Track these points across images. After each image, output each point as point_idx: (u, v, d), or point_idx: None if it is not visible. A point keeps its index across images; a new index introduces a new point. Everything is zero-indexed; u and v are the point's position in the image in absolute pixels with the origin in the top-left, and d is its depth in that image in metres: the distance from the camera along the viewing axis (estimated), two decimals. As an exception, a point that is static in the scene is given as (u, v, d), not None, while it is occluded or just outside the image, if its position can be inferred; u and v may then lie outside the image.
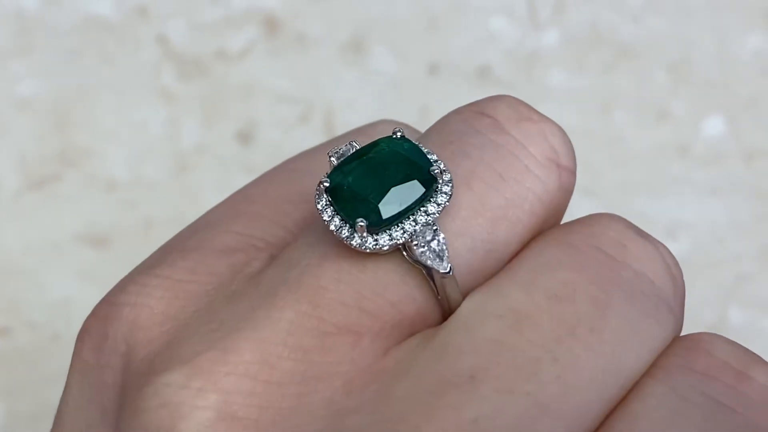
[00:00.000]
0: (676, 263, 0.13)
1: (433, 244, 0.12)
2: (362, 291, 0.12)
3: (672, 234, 0.28)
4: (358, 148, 0.13)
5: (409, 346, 0.12)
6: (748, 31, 0.30)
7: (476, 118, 0.13)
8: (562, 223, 0.14)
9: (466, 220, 0.13)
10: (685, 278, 0.30)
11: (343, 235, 0.13)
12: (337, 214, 0.13)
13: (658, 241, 0.14)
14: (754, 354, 0.13)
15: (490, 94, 0.14)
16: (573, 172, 0.13)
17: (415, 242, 0.12)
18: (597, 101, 0.29)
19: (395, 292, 0.12)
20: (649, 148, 0.29)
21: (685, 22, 0.30)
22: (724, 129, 0.29)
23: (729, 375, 0.12)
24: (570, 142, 0.14)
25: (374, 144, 0.13)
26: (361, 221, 0.12)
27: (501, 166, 0.13)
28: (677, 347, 0.12)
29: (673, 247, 0.29)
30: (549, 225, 0.13)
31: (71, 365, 0.14)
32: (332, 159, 0.13)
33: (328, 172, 0.13)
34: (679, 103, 0.30)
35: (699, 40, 0.30)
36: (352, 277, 0.12)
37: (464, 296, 0.13)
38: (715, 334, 0.13)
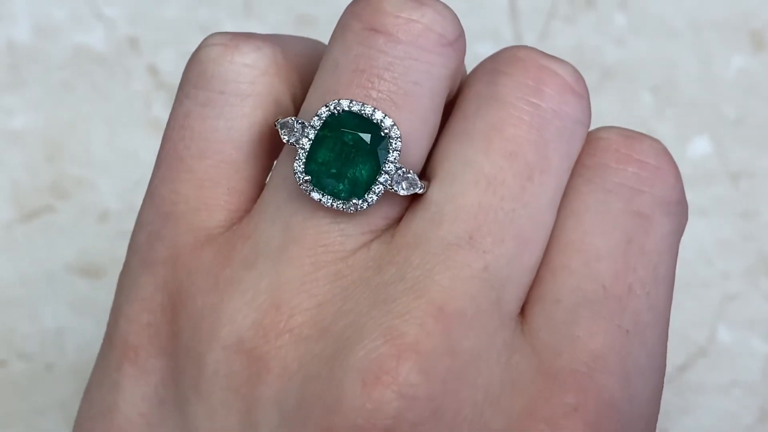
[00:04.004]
0: (577, 77, 0.16)
1: (404, 183, 0.16)
2: (357, 221, 0.15)
3: (660, 254, 0.29)
4: (304, 127, 0.16)
5: (412, 222, 0.16)
6: (732, 52, 0.30)
7: (371, 37, 0.16)
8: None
9: (407, 133, 0.16)
10: (673, 298, 0.30)
11: (339, 207, 0.15)
12: (324, 192, 0.16)
13: (561, 64, 0.16)
14: (640, 135, 0.17)
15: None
16: (461, 37, 0.16)
17: (395, 187, 0.16)
18: (583, 124, 0.30)
19: (382, 209, 0.16)
20: (636, 170, 0.29)
21: (669, 44, 0.31)
22: (709, 149, 0.30)
23: (634, 164, 0.16)
24: (447, 11, 0.16)
25: (329, 123, 0.15)
26: (355, 199, 0.15)
27: (411, 75, 0.16)
28: (593, 148, 0.16)
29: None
30: (456, 76, 0.16)
31: (123, 372, 0.16)
32: (282, 134, 0.16)
33: (302, 158, 0.16)
34: (664, 124, 0.30)
35: (683, 60, 0.30)
36: (344, 215, 0.16)
37: (430, 159, 0.16)
38: (613, 128, 0.17)
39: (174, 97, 0.30)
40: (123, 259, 0.29)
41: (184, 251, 0.16)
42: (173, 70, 0.30)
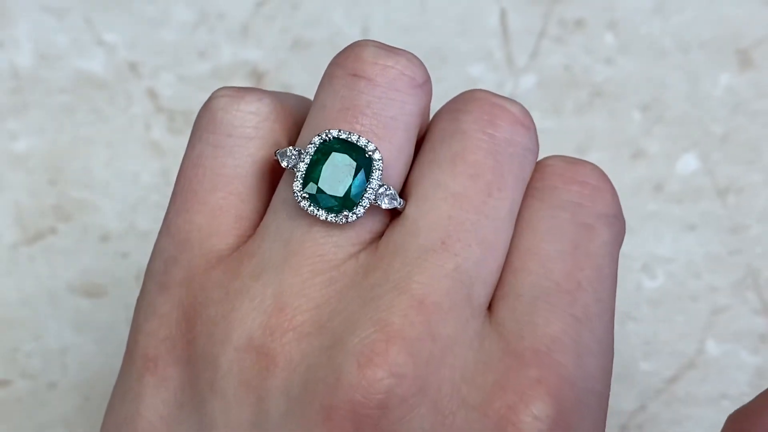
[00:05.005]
0: (525, 113, 0.19)
1: (387, 197, 0.18)
2: (348, 235, 0.18)
3: (649, 269, 0.29)
4: (300, 153, 0.18)
5: (392, 234, 0.18)
6: (720, 70, 0.31)
7: (354, 81, 0.18)
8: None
9: (386, 159, 0.18)
10: (663, 311, 0.30)
11: (332, 220, 0.18)
12: (320, 206, 0.18)
13: (511, 103, 0.19)
14: (581, 161, 0.20)
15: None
16: (428, 80, 0.19)
17: (378, 201, 0.18)
18: (574, 141, 0.30)
19: (367, 224, 0.18)
20: (626, 186, 0.30)
21: (658, 63, 0.31)
22: (698, 166, 0.30)
23: (577, 185, 0.19)
24: (416, 59, 0.19)
25: (321, 149, 0.18)
26: (346, 212, 0.18)
27: (388, 111, 0.18)
28: (542, 173, 0.19)
29: (651, 282, 0.30)
30: (425, 114, 0.19)
31: (144, 382, 0.18)
32: (282, 161, 0.19)
33: (300, 179, 0.18)
34: (653, 142, 0.30)
35: (671, 79, 0.31)
36: (337, 228, 0.18)
37: (406, 184, 0.19)
38: (558, 156, 0.20)
39: (172, 119, 0.31)
40: (123, 279, 0.29)
41: (197, 272, 0.18)
42: (172, 93, 0.31)
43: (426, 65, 0.33)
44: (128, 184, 0.30)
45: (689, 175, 0.30)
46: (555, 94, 0.31)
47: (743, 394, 0.28)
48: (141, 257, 0.29)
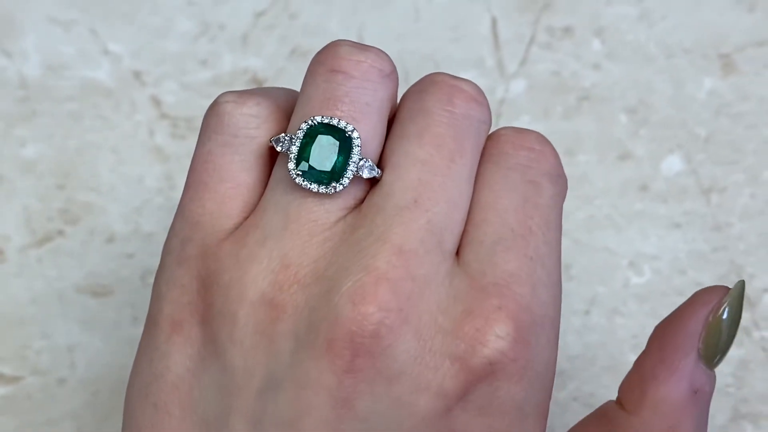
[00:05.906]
0: (479, 91, 0.22)
1: (366, 168, 0.21)
2: (336, 202, 0.21)
3: (636, 265, 0.30)
4: (292, 139, 0.21)
5: (373, 198, 0.21)
6: (703, 75, 0.32)
7: (333, 76, 0.21)
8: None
9: (365, 138, 0.21)
10: (649, 306, 0.31)
11: (323, 191, 0.21)
12: (311, 180, 0.21)
13: (467, 83, 0.22)
14: (528, 130, 0.22)
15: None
16: (394, 70, 0.22)
17: (360, 172, 0.21)
18: (562, 144, 0.31)
19: (351, 192, 0.21)
20: (613, 186, 0.31)
21: (643, 68, 0.32)
22: (682, 166, 0.31)
23: (525, 150, 0.22)
24: (383, 53, 0.22)
25: (309, 133, 0.21)
26: (334, 183, 0.21)
27: (363, 99, 0.21)
28: (495, 141, 0.22)
29: (638, 279, 0.31)
30: (394, 98, 0.22)
31: (172, 342, 0.21)
32: (277, 146, 0.21)
33: (294, 160, 0.21)
34: (639, 144, 0.31)
35: (657, 84, 0.32)
36: (327, 197, 0.21)
37: (381, 156, 0.22)
38: (510, 128, 0.22)
39: (175, 125, 0.32)
40: (129, 279, 0.30)
41: (210, 247, 0.21)
42: (175, 101, 0.32)
43: (420, 71, 0.34)
44: (133, 188, 0.31)
45: (674, 175, 0.31)
46: (544, 99, 0.32)
47: (728, 385, 0.28)
48: (146, 258, 0.30)
